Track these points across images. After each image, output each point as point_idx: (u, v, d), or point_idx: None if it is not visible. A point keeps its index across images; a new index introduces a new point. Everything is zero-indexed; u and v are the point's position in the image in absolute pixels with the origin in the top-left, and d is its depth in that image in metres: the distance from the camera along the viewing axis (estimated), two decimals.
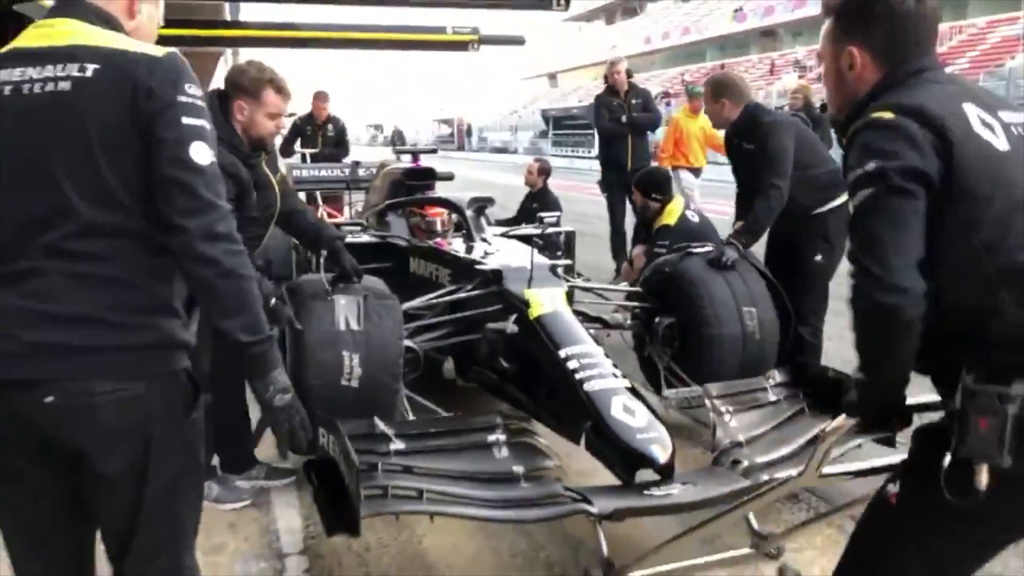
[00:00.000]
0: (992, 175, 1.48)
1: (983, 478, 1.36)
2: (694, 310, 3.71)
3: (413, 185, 5.21)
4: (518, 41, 10.75)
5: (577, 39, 73.16)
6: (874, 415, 1.68)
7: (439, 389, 3.62)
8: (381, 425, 2.76)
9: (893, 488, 1.59)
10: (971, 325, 1.48)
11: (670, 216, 4.80)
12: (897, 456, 2.42)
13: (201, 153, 1.47)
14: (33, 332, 1.40)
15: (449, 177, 5.57)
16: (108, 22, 1.55)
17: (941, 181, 1.46)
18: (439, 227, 4.69)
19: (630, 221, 6.80)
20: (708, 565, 2.66)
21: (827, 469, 2.40)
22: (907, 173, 1.46)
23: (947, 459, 1.41)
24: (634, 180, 5.24)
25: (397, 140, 13.42)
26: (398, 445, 2.72)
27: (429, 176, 5.30)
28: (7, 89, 1.46)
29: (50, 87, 1.44)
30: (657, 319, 3.91)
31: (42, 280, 1.41)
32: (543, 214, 5.14)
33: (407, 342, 3.37)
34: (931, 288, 1.45)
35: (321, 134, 8.66)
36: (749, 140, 3.98)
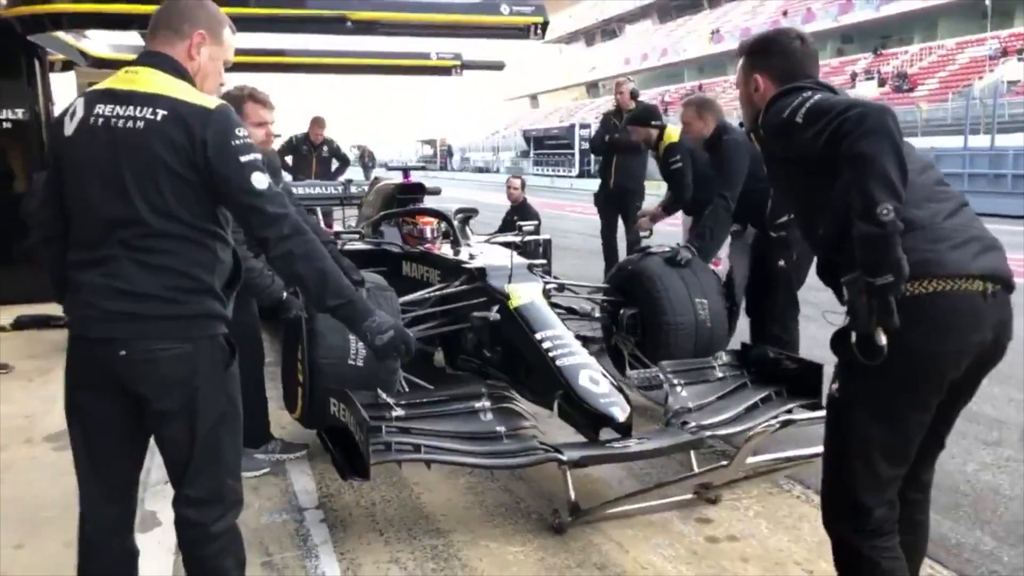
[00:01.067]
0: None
1: (882, 338, 1.79)
2: (653, 301, 4.25)
3: (404, 198, 5.74)
4: (498, 66, 11.37)
5: (558, 61, 74.14)
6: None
7: (431, 377, 4.10)
8: (383, 395, 3.26)
9: (834, 387, 2.02)
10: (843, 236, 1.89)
11: (671, 136, 5.35)
12: (809, 450, 2.99)
13: (260, 180, 1.91)
14: (110, 302, 1.87)
15: (436, 191, 6.09)
16: (177, 70, 1.98)
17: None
18: (429, 234, 5.21)
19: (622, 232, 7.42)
20: (658, 507, 3.17)
21: (751, 460, 2.97)
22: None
23: (852, 338, 1.85)
24: (628, 120, 5.84)
25: (367, 159, 13.55)
26: (398, 412, 3.22)
27: (419, 190, 5.84)
28: (100, 120, 1.91)
29: (130, 124, 1.88)
30: (622, 311, 4.44)
31: (117, 265, 1.87)
32: (522, 223, 5.68)
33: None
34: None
35: (316, 156, 9.16)
36: (713, 153, 4.52)
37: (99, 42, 9.29)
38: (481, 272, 4.13)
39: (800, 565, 2.78)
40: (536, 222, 5.87)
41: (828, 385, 2.08)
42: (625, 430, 3.22)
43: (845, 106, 1.86)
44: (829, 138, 1.85)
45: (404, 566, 2.82)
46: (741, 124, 2.54)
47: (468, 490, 3.43)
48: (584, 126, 36.12)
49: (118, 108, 1.91)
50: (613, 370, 4.33)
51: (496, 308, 3.90)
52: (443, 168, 50.23)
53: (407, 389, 3.79)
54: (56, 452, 3.78)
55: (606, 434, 3.25)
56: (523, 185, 7.70)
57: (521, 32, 7.46)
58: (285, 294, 3.50)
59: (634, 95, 7.61)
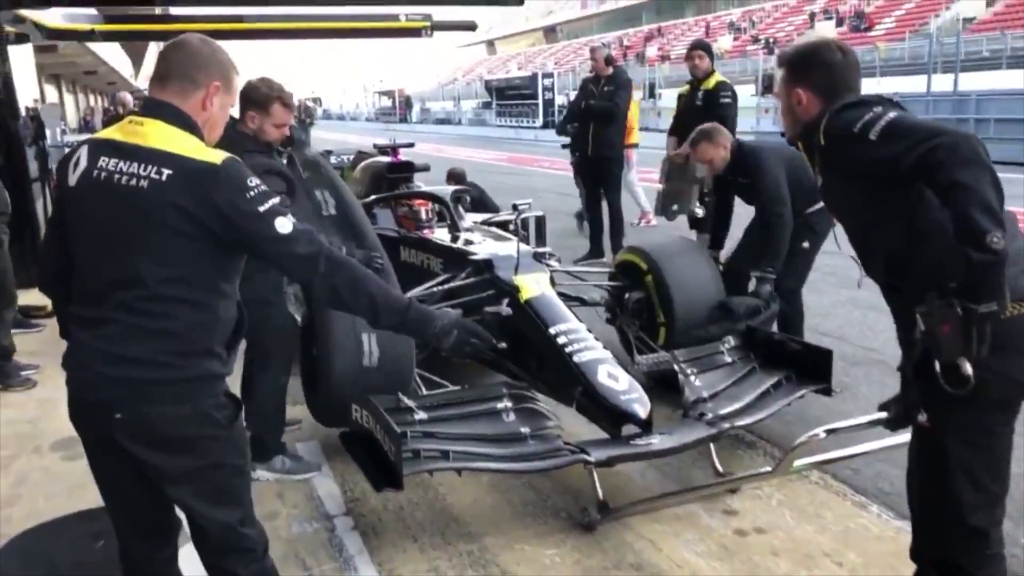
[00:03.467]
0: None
1: (967, 367, 1.79)
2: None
3: (394, 178, 5.66)
4: (470, 26, 11.16)
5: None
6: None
7: (439, 367, 4.10)
8: (406, 399, 3.27)
9: (923, 418, 1.99)
10: (908, 261, 1.95)
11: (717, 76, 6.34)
12: (848, 450, 3.05)
13: (284, 225, 1.85)
14: (105, 366, 1.83)
15: (426, 168, 6.01)
16: (185, 123, 1.89)
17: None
18: (424, 216, 5.16)
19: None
20: (682, 499, 3.25)
21: (797, 462, 3.01)
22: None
23: (937, 368, 1.82)
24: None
25: (305, 116, 12.92)
26: (421, 415, 3.23)
27: (409, 169, 5.75)
28: (103, 175, 1.84)
29: (133, 182, 1.80)
30: (627, 294, 4.47)
31: (113, 328, 1.83)
32: (516, 201, 5.62)
33: None
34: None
35: None
36: (745, 175, 4.45)
37: (53, 13, 8.95)
38: (488, 264, 4.11)
39: (830, 557, 2.87)
40: (529, 200, 5.79)
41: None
42: (646, 426, 3.26)
43: (931, 132, 1.83)
44: (917, 164, 1.82)
45: (444, 575, 2.86)
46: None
47: (493, 488, 3.47)
48: (547, 75, 35.76)
49: (122, 163, 1.83)
50: (622, 353, 4.38)
51: (506, 301, 3.89)
52: (403, 120, 49.33)
53: (421, 385, 3.80)
54: (68, 462, 3.75)
55: (627, 429, 3.30)
56: None
57: None
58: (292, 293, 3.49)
59: (609, 60, 7.57)
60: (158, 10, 12.98)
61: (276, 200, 1.89)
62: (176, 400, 1.85)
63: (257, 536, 2.05)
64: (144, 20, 11.24)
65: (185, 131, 1.89)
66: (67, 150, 2.01)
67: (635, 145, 9.35)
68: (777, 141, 4.66)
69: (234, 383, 2.32)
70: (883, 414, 2.31)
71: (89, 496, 2.05)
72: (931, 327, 1.84)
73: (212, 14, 10.77)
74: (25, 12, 7.74)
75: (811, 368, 3.66)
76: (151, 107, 1.94)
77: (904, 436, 2.36)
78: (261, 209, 1.84)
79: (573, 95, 10.07)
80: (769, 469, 3.09)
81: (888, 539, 2.97)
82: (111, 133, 1.95)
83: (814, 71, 2.24)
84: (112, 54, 26.47)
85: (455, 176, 7.58)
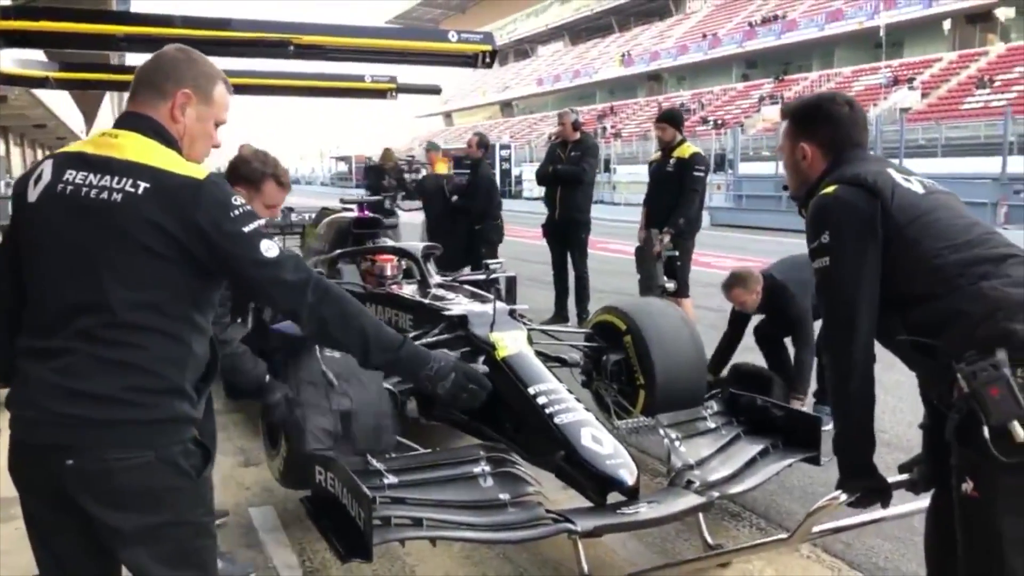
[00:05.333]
0: (914, 207, 1.99)
1: (1019, 431, 1.66)
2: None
3: (360, 233, 5.48)
4: (434, 90, 11.18)
5: (470, 80, 74.33)
6: (856, 486, 2.10)
7: (406, 429, 3.86)
8: (374, 462, 3.02)
9: (967, 486, 1.83)
10: (937, 322, 1.88)
11: (689, 148, 6.35)
12: (862, 517, 2.91)
13: (270, 248, 1.68)
14: (60, 404, 1.59)
15: (393, 225, 5.85)
16: (161, 135, 1.73)
17: (885, 224, 1.96)
18: (389, 272, 4.96)
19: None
20: (671, 574, 3.03)
21: (816, 528, 2.85)
22: (858, 231, 1.95)
23: (986, 433, 1.70)
24: (660, 118, 6.67)
25: None
26: (391, 479, 2.97)
27: (375, 225, 5.58)
28: (68, 189, 1.64)
29: (104, 195, 1.62)
30: (605, 356, 4.31)
31: (72, 359, 1.59)
32: (488, 260, 5.48)
33: (384, 383, 3.62)
34: (904, 297, 1.94)
35: None
36: (774, 310, 4.78)
37: (6, 57, 8.70)
38: (463, 320, 3.92)
39: None
40: (502, 260, 5.65)
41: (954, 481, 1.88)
42: (633, 493, 3.07)
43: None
44: None
45: None
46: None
47: (465, 559, 3.21)
48: (504, 147, 36.21)
49: (91, 177, 1.65)
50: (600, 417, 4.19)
51: (482, 359, 3.70)
52: (359, 186, 49.31)
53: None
54: None
55: (612, 496, 3.09)
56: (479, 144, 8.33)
57: (469, 60, 7.34)
58: (268, 377, 3.19)
59: (576, 125, 7.62)
60: (115, 60, 12.78)
61: (261, 222, 1.70)
62: (139, 444, 1.61)
63: None
64: (100, 69, 11.04)
65: (162, 144, 1.70)
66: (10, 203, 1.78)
67: None
68: (797, 258, 4.85)
69: None
70: (904, 476, 2.17)
71: (19, 565, 1.75)
72: (976, 388, 1.72)
73: None
74: None
75: (798, 436, 3.53)
76: (125, 120, 1.76)
77: (923, 502, 2.23)
78: (246, 230, 1.66)
79: (529, 167, 10.27)
80: (784, 536, 2.88)
81: None
82: (80, 147, 1.74)
83: (820, 126, 2.18)
84: (64, 108, 25.98)
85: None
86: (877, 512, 2.40)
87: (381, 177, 10.35)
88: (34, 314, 1.68)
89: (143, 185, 1.62)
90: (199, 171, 1.68)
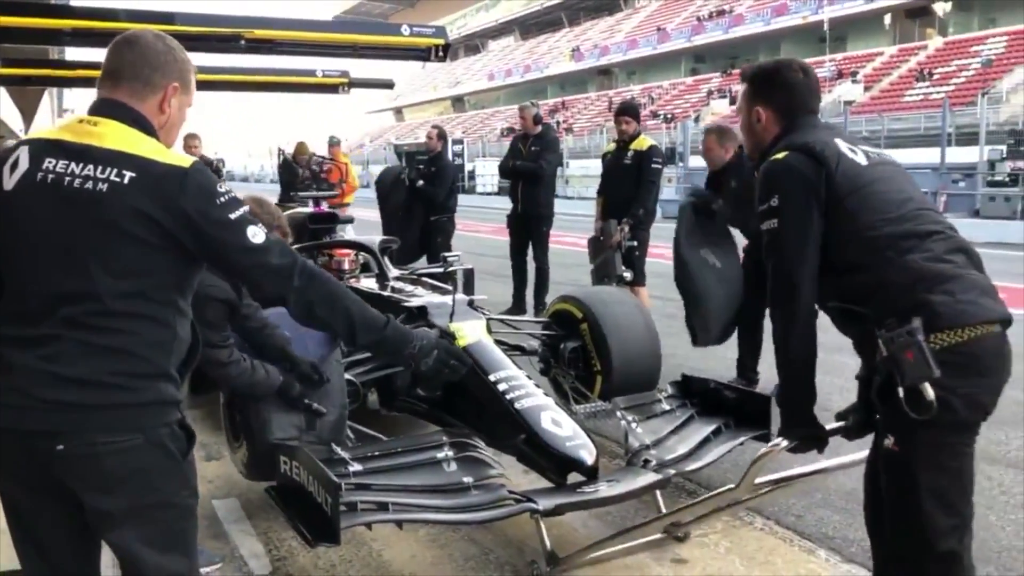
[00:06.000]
0: (857, 178, 2.12)
1: (929, 391, 1.86)
2: None
3: (317, 228, 5.50)
4: (388, 84, 11.17)
5: (421, 75, 74.06)
6: (796, 434, 2.24)
7: (365, 419, 3.91)
8: (339, 451, 3.07)
9: (889, 441, 2.02)
10: (865, 292, 2.03)
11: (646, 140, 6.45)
12: (810, 467, 3.06)
13: (256, 234, 1.72)
14: (47, 390, 1.61)
15: (349, 220, 5.88)
16: (142, 125, 1.74)
17: (828, 191, 2.09)
18: (347, 266, 5.00)
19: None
20: (631, 549, 3.14)
21: (757, 480, 2.96)
22: (804, 196, 2.09)
23: (900, 393, 1.88)
24: (617, 111, 6.77)
25: (215, 173, 12.78)
26: (356, 467, 3.03)
27: (332, 220, 5.60)
28: (50, 177, 1.65)
29: (88, 185, 1.63)
30: (562, 344, 4.41)
31: (58, 345, 1.62)
32: (445, 253, 5.55)
33: (347, 375, 3.67)
34: (837, 264, 2.08)
35: None
36: (738, 179, 4.83)
37: None
38: (422, 311, 3.99)
39: None
40: (459, 253, 5.72)
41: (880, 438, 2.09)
42: (593, 473, 3.17)
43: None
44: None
45: None
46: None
47: (431, 542, 3.28)
48: (457, 142, 36.18)
49: (73, 165, 1.66)
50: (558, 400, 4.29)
51: None
52: (273, 181, 48.66)
53: (353, 438, 3.59)
54: None
55: (572, 477, 3.19)
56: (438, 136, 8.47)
57: (422, 54, 7.36)
58: (280, 377, 3.15)
59: (537, 119, 7.70)
60: (54, 54, 12.47)
61: (247, 208, 1.75)
62: (128, 428, 1.65)
63: None
64: (42, 64, 10.77)
65: (143, 133, 1.73)
66: None
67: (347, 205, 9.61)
68: None
69: None
70: (840, 424, 2.31)
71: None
72: (893, 352, 1.89)
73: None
74: None
75: (749, 415, 3.67)
76: (105, 107, 1.77)
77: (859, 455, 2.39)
78: (232, 216, 1.71)
79: (482, 162, 10.36)
80: (732, 487, 3.00)
81: None
82: (57, 133, 1.75)
83: (775, 90, 2.31)
84: (3, 106, 25.24)
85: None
86: (820, 463, 2.53)
87: (294, 172, 10.27)
88: (13, 303, 1.69)
89: (128, 174, 1.64)
90: (184, 159, 1.72)
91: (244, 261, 1.74)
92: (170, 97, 1.81)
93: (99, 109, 1.78)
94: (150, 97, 1.79)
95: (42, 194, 1.66)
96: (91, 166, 1.65)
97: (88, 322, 1.63)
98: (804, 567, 3.07)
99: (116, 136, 1.70)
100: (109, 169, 1.65)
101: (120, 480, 1.66)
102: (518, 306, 7.54)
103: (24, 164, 1.68)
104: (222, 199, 1.71)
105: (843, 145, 2.18)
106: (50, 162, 1.67)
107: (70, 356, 1.62)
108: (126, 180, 1.64)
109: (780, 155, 2.17)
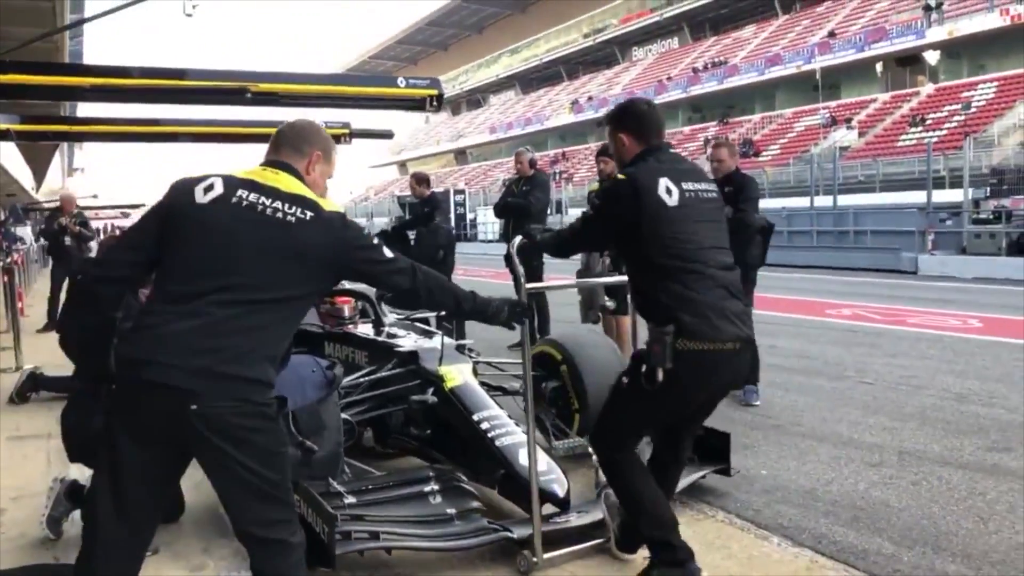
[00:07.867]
0: (656, 214, 2.77)
1: (660, 374, 2.69)
2: None
3: None
4: (387, 135, 11.66)
5: (424, 129, 75.24)
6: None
7: (361, 455, 4.19)
8: (335, 485, 3.36)
9: (624, 379, 2.91)
10: (647, 298, 2.86)
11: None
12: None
13: (387, 251, 2.40)
14: (195, 357, 2.04)
15: None
16: (302, 180, 2.32)
17: (633, 216, 2.77)
18: (347, 313, 5.30)
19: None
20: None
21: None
22: (614, 208, 2.91)
23: (644, 368, 2.73)
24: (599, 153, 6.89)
25: None
26: (351, 500, 3.31)
27: None
28: (244, 203, 2.18)
29: (279, 215, 2.18)
30: (544, 384, 4.69)
31: (208, 319, 2.07)
32: None
33: (343, 415, 3.96)
34: (639, 268, 2.88)
35: None
36: (732, 186, 5.54)
37: None
38: (414, 355, 4.28)
39: None
40: None
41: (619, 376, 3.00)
42: (564, 504, 3.45)
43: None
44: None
45: None
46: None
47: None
48: (459, 192, 36.85)
49: (264, 199, 2.19)
50: (540, 439, 4.55)
51: (431, 390, 4.06)
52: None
53: (349, 472, 3.86)
54: None
55: (546, 508, 3.45)
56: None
57: (417, 104, 7.83)
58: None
59: (532, 163, 8.11)
60: (66, 110, 12.96)
61: (368, 235, 2.50)
62: (243, 397, 2.08)
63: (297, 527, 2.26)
64: (55, 121, 11.26)
65: (305, 186, 2.29)
66: None
67: None
68: None
69: None
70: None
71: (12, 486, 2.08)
72: (648, 344, 2.74)
73: (127, 117, 10.87)
74: None
75: (710, 451, 3.96)
76: (278, 164, 2.32)
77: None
78: (374, 242, 2.41)
79: (484, 211, 10.69)
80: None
81: (788, 562, 3.26)
82: (247, 175, 2.27)
83: (628, 120, 3.00)
84: (15, 164, 25.92)
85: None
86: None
87: (60, 225, 9.82)
88: (178, 283, 2.14)
89: (309, 214, 2.22)
90: (338, 207, 2.33)
91: (384, 269, 2.40)
92: (314, 163, 2.40)
93: (273, 164, 2.34)
94: (299, 160, 2.37)
95: (239, 212, 2.17)
96: (279, 202, 2.21)
97: (240, 308, 2.10)
98: (758, 550, 3.36)
99: (292, 185, 2.28)
100: (296, 207, 2.21)
101: (236, 436, 2.07)
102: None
103: (219, 189, 2.20)
104: (364, 232, 2.50)
105: (663, 183, 2.80)
106: (243, 192, 2.20)
107: (215, 331, 2.06)
108: (308, 217, 2.21)
109: (619, 176, 2.91)
